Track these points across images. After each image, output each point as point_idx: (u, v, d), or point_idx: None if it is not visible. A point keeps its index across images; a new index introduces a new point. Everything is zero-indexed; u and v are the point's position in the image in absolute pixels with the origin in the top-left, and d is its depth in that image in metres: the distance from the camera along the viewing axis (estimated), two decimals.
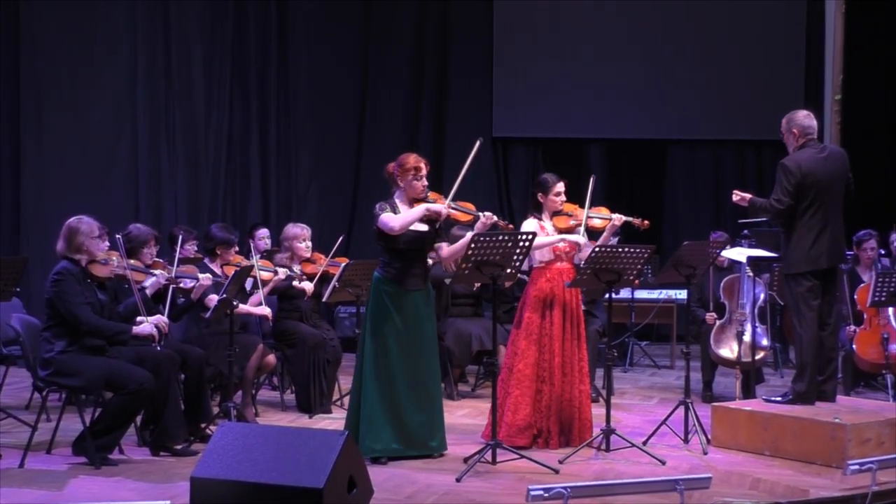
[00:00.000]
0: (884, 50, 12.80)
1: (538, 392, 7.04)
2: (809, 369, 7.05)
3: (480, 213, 6.70)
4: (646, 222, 7.24)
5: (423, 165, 6.74)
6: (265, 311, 7.95)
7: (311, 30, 13.21)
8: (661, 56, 13.38)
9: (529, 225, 7.14)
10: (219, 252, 7.94)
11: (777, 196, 7.03)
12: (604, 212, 7.31)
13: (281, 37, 13.00)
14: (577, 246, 7.16)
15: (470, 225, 6.85)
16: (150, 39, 12.19)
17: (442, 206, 6.63)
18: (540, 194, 7.25)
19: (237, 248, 8.11)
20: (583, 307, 8.94)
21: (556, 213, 7.25)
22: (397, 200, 6.75)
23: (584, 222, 7.16)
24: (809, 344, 7.04)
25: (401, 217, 6.60)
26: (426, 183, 6.76)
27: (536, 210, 7.27)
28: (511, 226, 6.94)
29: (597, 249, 6.89)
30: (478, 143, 6.75)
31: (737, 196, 7.28)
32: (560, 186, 7.24)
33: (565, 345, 7.09)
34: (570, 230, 7.22)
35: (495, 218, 6.70)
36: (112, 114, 12.14)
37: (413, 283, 6.69)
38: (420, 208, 6.61)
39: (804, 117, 7.22)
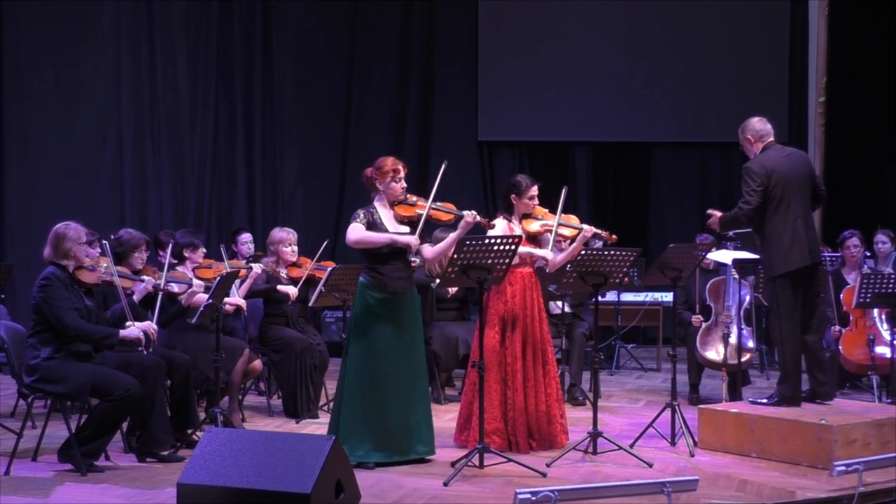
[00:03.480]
0: (867, 52, 12.85)
1: (503, 396, 7.04)
2: (794, 372, 7.07)
3: (463, 213, 6.69)
4: (613, 236, 7.20)
5: (400, 167, 6.74)
6: (238, 301, 7.92)
7: (296, 33, 13.21)
8: (645, 59, 13.41)
9: (499, 225, 7.12)
10: (186, 255, 7.94)
11: (744, 199, 7.07)
12: (573, 221, 7.25)
13: (266, 40, 12.99)
14: (543, 258, 7.16)
15: (452, 225, 6.84)
16: (133, 43, 12.17)
17: (411, 238, 6.59)
18: (513, 196, 7.22)
19: (205, 250, 8.09)
20: (570, 310, 9.04)
21: (525, 216, 7.25)
22: (377, 205, 6.75)
23: (554, 231, 7.15)
24: (794, 346, 7.05)
25: (361, 235, 6.59)
26: (405, 185, 6.75)
27: (507, 211, 7.26)
28: (493, 224, 6.90)
29: (583, 253, 6.91)
30: (444, 166, 6.75)
31: (712, 218, 7.32)
32: (534, 190, 7.21)
33: (526, 349, 7.07)
34: (538, 234, 7.22)
35: (478, 217, 6.68)
36: (97, 118, 12.11)
37: (398, 287, 6.68)
38: (385, 236, 6.60)
39: (757, 122, 7.29)
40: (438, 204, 6.73)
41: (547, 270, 7.32)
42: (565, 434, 7.19)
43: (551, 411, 7.10)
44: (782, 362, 7.20)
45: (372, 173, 6.78)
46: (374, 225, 6.66)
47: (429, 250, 6.88)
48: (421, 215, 6.67)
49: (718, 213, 7.31)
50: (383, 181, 6.73)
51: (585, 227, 7.19)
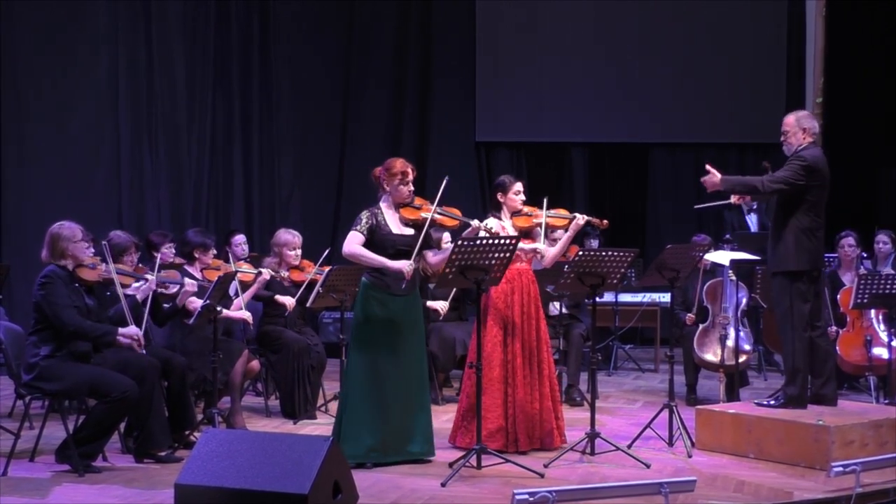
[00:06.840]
0: (864, 54, 12.86)
1: (505, 395, 7.04)
2: (802, 372, 7.04)
3: (469, 220, 6.72)
4: (604, 222, 7.24)
5: (409, 170, 6.75)
6: (244, 314, 7.92)
7: (293, 34, 13.21)
8: (643, 59, 13.43)
9: (491, 224, 7.11)
10: (197, 255, 7.93)
11: (780, 178, 6.95)
12: (563, 212, 7.33)
13: (263, 41, 13.00)
14: (535, 252, 7.19)
15: (457, 231, 6.86)
16: (130, 44, 12.15)
17: (403, 264, 6.55)
18: (499, 194, 7.29)
19: (215, 252, 8.09)
20: (567, 311, 9.04)
21: (515, 213, 7.27)
22: (383, 205, 6.76)
23: (543, 223, 7.19)
24: (802, 346, 7.01)
25: (355, 250, 6.60)
26: (412, 188, 6.77)
27: (497, 209, 7.30)
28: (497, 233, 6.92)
29: (580, 253, 6.93)
30: (445, 181, 6.74)
31: (710, 175, 7.11)
32: (518, 186, 7.28)
33: (524, 345, 7.09)
34: (530, 229, 7.26)
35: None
36: (94, 120, 12.08)
37: (400, 287, 6.68)
38: (378, 260, 6.59)
39: (809, 118, 7.28)
40: (444, 209, 6.75)
41: (543, 264, 7.32)
42: (561, 437, 7.17)
43: (543, 413, 7.09)
44: (791, 362, 7.08)
45: (380, 173, 6.79)
46: (377, 227, 6.66)
47: (432, 256, 6.89)
48: (426, 219, 6.67)
49: (717, 175, 7.09)
50: (391, 183, 6.73)
51: (577, 214, 7.23)
